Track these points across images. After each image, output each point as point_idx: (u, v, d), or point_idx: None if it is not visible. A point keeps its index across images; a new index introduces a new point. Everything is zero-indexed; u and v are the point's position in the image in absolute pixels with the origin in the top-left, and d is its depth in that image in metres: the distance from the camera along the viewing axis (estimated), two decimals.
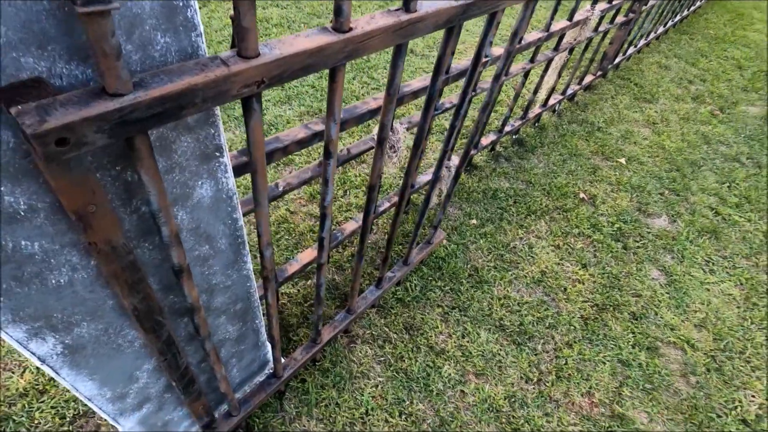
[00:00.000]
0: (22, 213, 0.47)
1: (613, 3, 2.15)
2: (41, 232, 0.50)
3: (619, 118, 2.72)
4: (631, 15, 2.59)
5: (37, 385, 1.21)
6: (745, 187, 2.34)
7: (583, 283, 1.75)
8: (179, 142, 0.58)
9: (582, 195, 2.14)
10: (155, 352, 0.74)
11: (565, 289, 1.72)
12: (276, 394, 1.28)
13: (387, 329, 1.49)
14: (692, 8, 4.16)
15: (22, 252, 0.50)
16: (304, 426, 1.24)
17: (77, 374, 0.69)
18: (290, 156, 2.02)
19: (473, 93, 1.39)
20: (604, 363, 1.51)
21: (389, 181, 2.05)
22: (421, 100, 2.32)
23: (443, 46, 0.83)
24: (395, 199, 1.64)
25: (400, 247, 1.76)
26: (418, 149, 1.03)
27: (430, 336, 1.49)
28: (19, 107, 0.37)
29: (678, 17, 3.88)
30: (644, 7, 2.64)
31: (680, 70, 3.37)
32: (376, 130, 0.97)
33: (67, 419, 1.17)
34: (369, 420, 1.28)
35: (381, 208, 1.63)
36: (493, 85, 1.14)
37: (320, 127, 1.01)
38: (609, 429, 1.35)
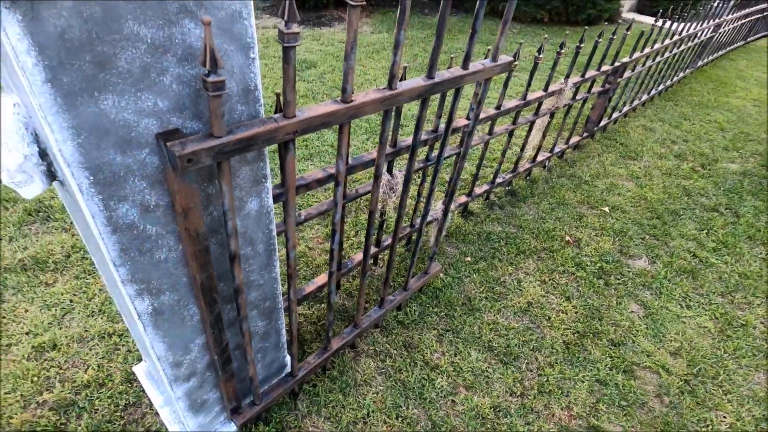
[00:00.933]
0: (152, 206, 0.79)
1: (586, 77, 2.54)
2: (159, 221, 0.81)
3: (604, 173, 3.02)
4: (607, 85, 2.99)
5: (98, 379, 1.47)
6: (723, 234, 2.56)
7: (566, 313, 1.95)
8: (241, 170, 0.90)
9: (567, 238, 2.39)
10: (207, 326, 1.02)
11: (549, 317, 1.92)
12: (290, 395, 1.50)
13: (388, 346, 1.71)
14: (676, 78, 4.60)
15: (146, 232, 0.81)
16: (314, 422, 1.45)
17: (155, 334, 0.96)
18: (310, 194, 2.37)
19: (464, 148, 1.72)
20: (583, 381, 1.68)
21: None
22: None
23: (419, 113, 1.16)
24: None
25: (401, 279, 2.02)
26: (407, 184, 1.34)
27: (426, 353, 1.70)
28: (170, 143, 0.70)
29: (662, 86, 4.29)
30: (620, 79, 3.04)
31: (664, 132, 3.71)
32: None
33: (120, 407, 1.41)
34: (370, 420, 1.47)
35: (385, 244, 1.92)
36: (467, 141, 1.47)
37: (334, 170, 1.35)
38: None
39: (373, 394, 1.55)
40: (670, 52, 3.73)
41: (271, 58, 4.19)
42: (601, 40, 2.40)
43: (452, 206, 2.19)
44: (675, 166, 3.22)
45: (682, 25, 3.71)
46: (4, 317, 1.63)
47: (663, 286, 2.15)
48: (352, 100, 0.91)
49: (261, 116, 0.85)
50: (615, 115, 3.58)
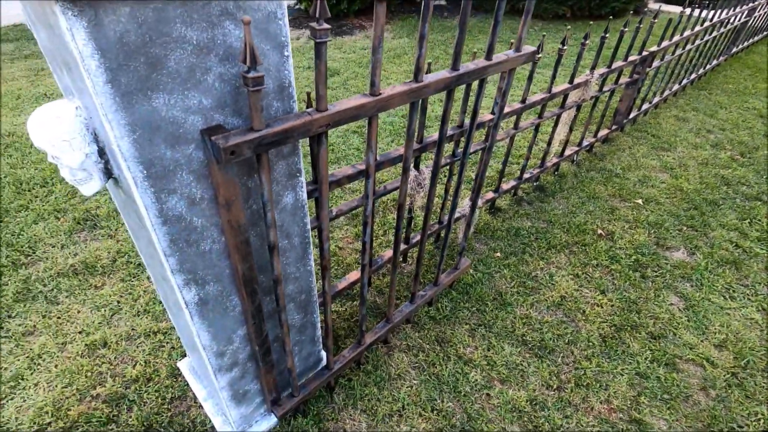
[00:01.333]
0: (198, 199, 0.84)
1: (613, 67, 2.50)
2: (204, 213, 0.87)
3: (636, 165, 2.94)
4: (636, 76, 2.92)
5: (145, 374, 1.55)
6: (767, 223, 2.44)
7: (602, 307, 1.91)
8: (277, 165, 0.95)
9: (600, 231, 2.34)
10: (248, 316, 1.06)
11: (584, 311, 1.89)
12: (327, 388, 1.54)
13: (421, 341, 1.73)
14: (709, 66, 4.43)
15: (193, 224, 0.86)
16: (351, 415, 1.47)
17: (201, 324, 1.02)
18: (338, 195, 2.42)
19: (489, 141, 1.73)
20: (622, 375, 1.64)
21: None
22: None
23: (445, 105, 1.19)
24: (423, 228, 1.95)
25: (431, 275, 2.03)
26: (435, 178, 1.36)
27: (459, 347, 1.71)
28: (215, 137, 0.75)
29: (694, 75, 4.15)
30: (649, 69, 2.97)
31: (698, 122, 3.58)
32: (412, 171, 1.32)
33: (167, 400, 1.48)
34: (405, 413, 1.49)
35: (413, 240, 1.94)
36: (493, 133, 1.48)
37: (363, 167, 1.38)
38: (626, 431, 1.46)
39: (407, 387, 1.56)
40: (701, 39, 3.61)
41: (295, 68, 4.31)
42: (627, 29, 2.36)
43: (479, 203, 2.19)
44: (712, 156, 3.10)
45: (713, 11, 3.59)
46: (59, 318, 1.74)
47: (704, 278, 2.07)
48: (380, 93, 0.95)
49: (295, 111, 0.90)
50: (645, 106, 3.49)
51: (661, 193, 2.67)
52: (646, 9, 7.25)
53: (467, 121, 1.78)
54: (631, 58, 2.63)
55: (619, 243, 2.27)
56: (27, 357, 1.59)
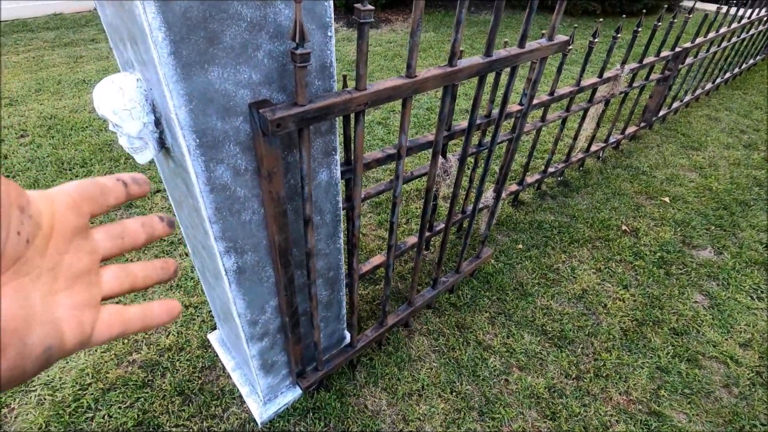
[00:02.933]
0: (242, 170, 0.89)
1: (644, 62, 2.47)
2: (246, 184, 0.92)
3: (664, 164, 2.90)
4: (667, 72, 2.87)
5: (177, 344, 1.63)
6: None
7: (624, 301, 1.91)
8: (315, 142, 0.99)
9: (624, 227, 2.32)
10: (281, 287, 1.12)
11: (606, 305, 1.89)
12: (349, 365, 1.59)
13: (441, 326, 1.76)
14: (745, 65, 4.30)
15: (236, 194, 0.92)
16: (372, 392, 1.52)
17: (238, 291, 1.08)
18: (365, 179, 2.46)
19: (518, 131, 1.74)
20: (643, 368, 1.64)
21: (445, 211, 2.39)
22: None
23: (477, 90, 1.21)
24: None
25: (453, 264, 2.06)
26: (463, 165, 1.39)
27: (479, 334, 1.73)
28: (262, 109, 0.80)
29: (728, 74, 4.04)
30: (681, 66, 2.91)
31: (731, 122, 3.49)
32: (439, 159, 1.35)
33: (197, 369, 1.56)
34: (425, 393, 1.53)
35: (437, 228, 1.97)
36: (521, 122, 1.50)
37: (392, 151, 1.42)
38: (645, 423, 1.47)
39: (427, 369, 1.60)
40: (738, 37, 3.51)
41: None
42: (660, 24, 2.32)
43: (503, 195, 2.21)
44: (744, 156, 3.03)
45: (750, 8, 3.48)
46: None
47: (731, 277, 2.04)
48: (416, 75, 0.98)
49: (335, 90, 0.94)
50: (675, 104, 3.42)
51: (690, 192, 2.63)
52: (680, 6, 7.05)
53: (495, 111, 1.80)
54: (663, 54, 2.59)
55: (644, 240, 2.25)
56: None
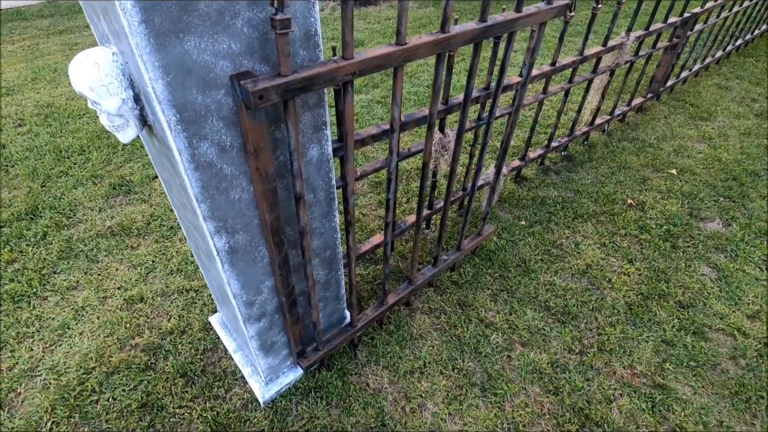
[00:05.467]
0: (228, 146, 0.87)
1: (651, 29, 2.37)
2: (233, 161, 0.89)
3: (672, 135, 2.82)
4: (675, 40, 2.77)
5: (179, 327, 1.64)
6: None
7: (629, 276, 1.88)
8: (303, 116, 0.96)
9: (630, 201, 2.28)
10: (275, 267, 1.10)
11: (610, 279, 1.86)
12: (350, 345, 1.58)
13: (443, 304, 1.75)
14: (758, 32, 4.14)
15: (223, 171, 0.89)
16: (373, 371, 1.52)
17: (231, 272, 1.06)
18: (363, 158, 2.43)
19: (517, 101, 1.69)
20: (647, 342, 1.62)
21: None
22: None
23: (472, 58, 1.16)
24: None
25: (454, 242, 2.03)
26: (460, 139, 1.35)
27: (481, 311, 1.72)
28: (244, 81, 0.76)
29: (740, 41, 3.89)
30: (690, 33, 2.80)
31: (742, 90, 3.38)
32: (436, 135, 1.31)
33: (199, 351, 1.56)
34: (426, 371, 1.52)
35: (437, 207, 1.94)
36: (520, 92, 1.45)
37: (387, 126, 1.38)
38: (650, 396, 1.45)
39: (428, 347, 1.60)
40: (750, 1, 3.36)
41: None
42: None
43: (505, 170, 2.16)
44: (755, 126, 2.94)
45: None
46: (99, 274, 1.85)
47: (739, 249, 2.00)
48: (406, 43, 0.94)
49: (321, 60, 0.90)
50: (684, 74, 3.31)
51: (698, 164, 2.56)
52: None
53: (494, 84, 1.74)
54: (670, 20, 2.49)
55: (650, 213, 2.20)
56: (72, 309, 1.70)
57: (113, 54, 0.77)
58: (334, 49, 1.08)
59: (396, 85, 1.01)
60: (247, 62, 0.80)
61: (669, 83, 3.15)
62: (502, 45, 4.66)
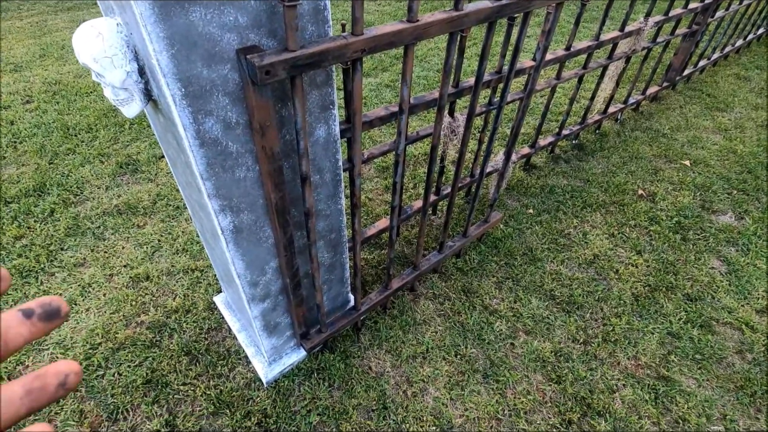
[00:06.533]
0: (233, 123, 0.85)
1: (670, 15, 2.30)
2: (238, 139, 0.88)
3: (686, 126, 2.76)
4: (695, 27, 2.68)
5: (184, 306, 1.65)
6: None
7: (637, 267, 1.86)
8: (311, 95, 0.94)
9: (641, 192, 2.24)
10: (280, 248, 1.09)
11: (617, 270, 1.84)
12: (353, 328, 1.59)
13: (447, 290, 1.74)
14: None
15: (228, 149, 0.88)
16: (376, 354, 1.52)
17: (236, 251, 1.05)
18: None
19: (530, 85, 1.65)
20: (653, 333, 1.60)
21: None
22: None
23: (485, 38, 1.13)
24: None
25: (460, 229, 2.01)
26: (470, 122, 1.32)
27: (485, 298, 1.71)
28: (250, 55, 0.74)
29: (762, 30, 3.77)
30: (711, 19, 2.71)
31: (762, 81, 3.29)
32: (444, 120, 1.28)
33: (204, 330, 1.57)
34: (429, 356, 1.52)
35: (444, 193, 1.92)
36: (534, 76, 1.41)
37: (395, 108, 1.36)
38: (653, 387, 1.44)
39: (432, 333, 1.59)
40: None
41: None
42: None
43: (514, 157, 2.13)
44: None
45: None
46: (106, 252, 1.86)
47: (751, 242, 1.96)
48: (418, 20, 0.91)
49: (330, 36, 0.87)
50: (702, 63, 3.22)
51: (712, 155, 2.50)
52: None
53: (506, 67, 1.70)
54: (691, 6, 2.41)
55: (661, 204, 2.17)
56: (78, 285, 1.72)
57: (117, 25, 0.76)
58: (343, 26, 1.05)
59: (406, 65, 0.98)
60: (254, 36, 0.78)
61: (686, 72, 3.07)
62: (516, 27, 4.55)
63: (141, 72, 0.80)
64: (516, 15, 1.14)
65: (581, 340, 1.58)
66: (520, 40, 1.23)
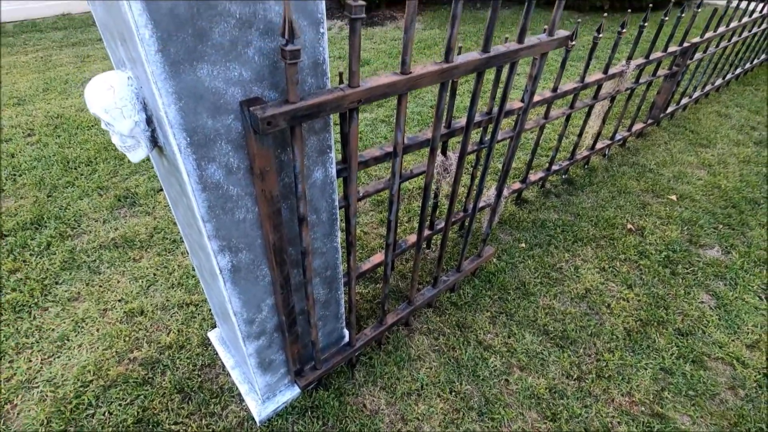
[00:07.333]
0: (235, 168, 0.89)
1: (651, 58, 2.42)
2: (239, 182, 0.91)
3: (672, 161, 2.85)
4: (675, 68, 2.82)
5: (178, 342, 1.64)
6: None
7: (628, 301, 1.88)
8: (309, 140, 0.99)
9: (630, 226, 2.29)
10: (277, 286, 1.11)
11: (609, 304, 1.86)
12: (348, 364, 1.58)
13: (441, 325, 1.75)
14: (757, 61, 4.21)
15: (229, 192, 0.91)
16: (370, 391, 1.52)
17: (233, 290, 1.07)
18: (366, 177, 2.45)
19: (518, 127, 1.72)
20: (646, 369, 1.61)
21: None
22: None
23: (475, 86, 1.20)
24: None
25: (454, 263, 2.04)
26: (462, 161, 1.37)
27: (479, 333, 1.72)
28: (253, 107, 0.79)
29: (740, 70, 3.96)
30: (690, 61, 2.85)
31: (742, 118, 3.42)
32: (439, 157, 1.34)
33: (197, 367, 1.56)
34: (424, 393, 1.52)
35: (438, 227, 1.96)
36: (522, 118, 1.48)
37: (390, 148, 1.41)
38: (648, 425, 1.44)
39: (426, 369, 1.59)
40: (749, 32, 3.44)
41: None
42: (667, 19, 2.28)
43: (506, 192, 2.18)
44: (755, 154, 2.97)
45: (762, 2, 3.41)
46: (101, 286, 1.86)
47: (739, 277, 2.00)
48: (411, 72, 0.97)
49: (328, 87, 0.93)
50: (684, 100, 3.36)
51: (697, 190, 2.58)
52: (689, 1, 6.93)
53: (496, 108, 1.78)
54: (670, 49, 2.54)
55: (650, 239, 2.21)
56: (72, 320, 1.71)
57: (128, 78, 0.80)
58: (341, 75, 1.11)
59: (400, 111, 1.04)
60: (257, 89, 0.83)
61: (669, 109, 3.20)
62: (505, 72, 4.74)
63: (148, 121, 0.85)
64: (504, 64, 1.21)
65: (575, 376, 1.58)
66: (507, 86, 1.30)
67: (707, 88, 3.60)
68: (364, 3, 0.79)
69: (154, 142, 0.89)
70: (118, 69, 0.88)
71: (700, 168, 2.81)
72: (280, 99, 0.84)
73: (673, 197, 2.51)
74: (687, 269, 2.05)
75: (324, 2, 0.83)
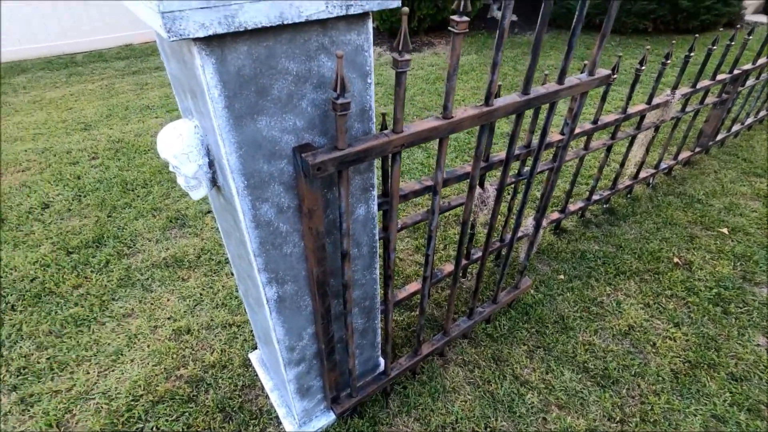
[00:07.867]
0: (285, 208, 0.95)
1: (697, 87, 2.36)
2: (288, 220, 0.98)
3: (722, 191, 2.72)
4: (725, 95, 2.72)
5: (221, 361, 1.71)
6: None
7: (675, 340, 1.80)
8: (354, 180, 1.04)
9: (676, 260, 2.20)
10: (318, 316, 1.16)
11: (654, 343, 1.79)
12: (383, 393, 1.60)
13: (477, 357, 1.74)
14: None
15: (279, 229, 0.97)
16: (404, 422, 1.52)
17: (278, 319, 1.13)
18: (402, 211, 2.49)
19: (557, 162, 1.72)
20: (695, 415, 1.53)
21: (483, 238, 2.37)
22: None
23: (514, 127, 1.22)
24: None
25: (490, 293, 2.03)
26: (500, 197, 1.39)
27: (516, 368, 1.69)
28: (305, 154, 0.85)
29: None
30: (741, 89, 2.75)
31: None
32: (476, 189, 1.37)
33: (238, 387, 1.63)
34: (458, 427, 1.51)
35: (474, 257, 1.96)
36: (561, 154, 1.48)
37: (429, 182, 1.45)
38: None
39: (461, 401, 1.58)
40: None
41: None
42: (715, 47, 2.22)
43: (544, 222, 2.16)
44: None
45: None
46: (152, 304, 1.98)
47: None
48: (452, 117, 1.01)
49: (373, 132, 0.99)
50: (736, 127, 3.22)
51: (751, 223, 2.45)
52: (741, 23, 6.66)
53: (535, 141, 1.78)
54: (719, 77, 2.47)
55: (699, 274, 2.12)
56: (126, 336, 1.83)
57: (195, 127, 0.89)
58: (383, 117, 1.17)
59: (441, 153, 1.08)
60: (308, 136, 0.90)
61: (719, 137, 3.07)
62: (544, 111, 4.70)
63: (210, 164, 0.93)
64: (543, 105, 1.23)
65: (617, 419, 1.52)
66: (547, 124, 1.31)
67: (761, 114, 3.43)
68: (410, 58, 0.85)
69: (213, 182, 0.97)
70: (185, 117, 0.97)
71: (754, 199, 2.66)
72: (329, 145, 0.90)
73: (725, 230, 2.39)
74: (740, 308, 1.94)
75: (372, 57, 0.89)
